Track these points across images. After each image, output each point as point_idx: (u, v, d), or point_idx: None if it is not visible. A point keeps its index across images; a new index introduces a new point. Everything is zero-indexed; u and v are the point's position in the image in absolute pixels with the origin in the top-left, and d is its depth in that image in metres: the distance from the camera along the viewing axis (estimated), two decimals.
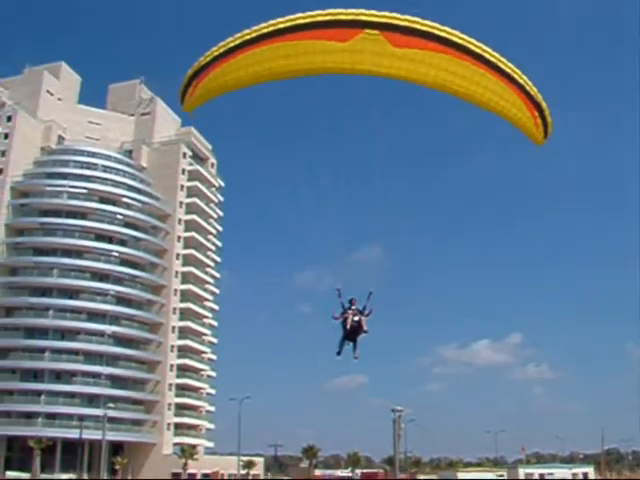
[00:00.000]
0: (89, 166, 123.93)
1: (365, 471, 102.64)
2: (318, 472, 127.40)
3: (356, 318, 21.45)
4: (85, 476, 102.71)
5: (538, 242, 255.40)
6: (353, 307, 21.77)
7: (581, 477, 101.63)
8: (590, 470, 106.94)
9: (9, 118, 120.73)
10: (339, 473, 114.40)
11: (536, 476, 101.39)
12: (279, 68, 19.68)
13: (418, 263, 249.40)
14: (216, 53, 19.64)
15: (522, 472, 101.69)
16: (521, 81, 20.09)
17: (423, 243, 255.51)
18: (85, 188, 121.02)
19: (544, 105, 20.77)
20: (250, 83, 20.52)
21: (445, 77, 20.09)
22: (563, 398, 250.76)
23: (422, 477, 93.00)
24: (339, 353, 21.68)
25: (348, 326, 21.27)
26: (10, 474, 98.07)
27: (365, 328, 21.52)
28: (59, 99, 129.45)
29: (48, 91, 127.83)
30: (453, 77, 20.06)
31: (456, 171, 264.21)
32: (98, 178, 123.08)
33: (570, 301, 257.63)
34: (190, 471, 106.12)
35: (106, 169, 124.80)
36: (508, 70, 19.80)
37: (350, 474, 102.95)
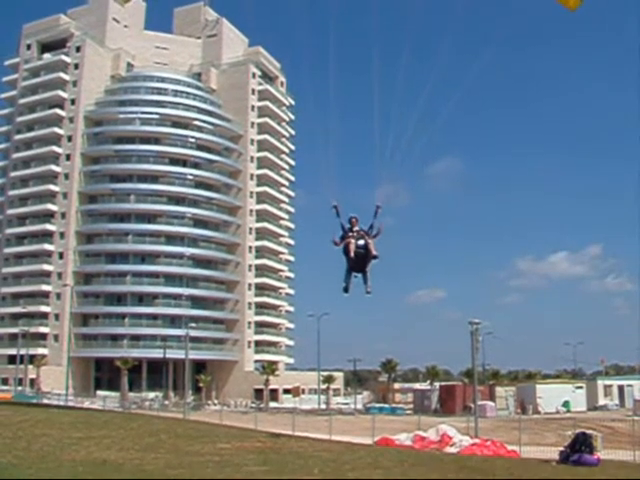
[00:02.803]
0: (159, 91, 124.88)
1: (443, 384, 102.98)
2: (397, 385, 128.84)
3: (361, 242, 17.47)
4: (171, 393, 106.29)
5: (618, 152, 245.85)
6: (355, 228, 17.85)
7: None
8: None
9: (78, 48, 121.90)
10: (417, 386, 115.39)
11: (615, 388, 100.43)
12: None
13: (496, 175, 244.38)
14: None
15: (601, 384, 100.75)
16: None
17: (502, 157, 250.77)
18: (157, 113, 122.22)
19: None
20: None
21: None
22: None
23: (500, 389, 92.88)
24: (346, 289, 17.77)
25: (352, 253, 17.32)
26: (100, 393, 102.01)
27: (374, 252, 17.57)
28: (125, 26, 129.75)
29: (114, 19, 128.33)
30: None
31: (543, 92, 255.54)
32: (169, 103, 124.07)
33: None
34: (272, 387, 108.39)
35: (176, 93, 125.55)
36: None
37: (429, 387, 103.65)
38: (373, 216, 17.91)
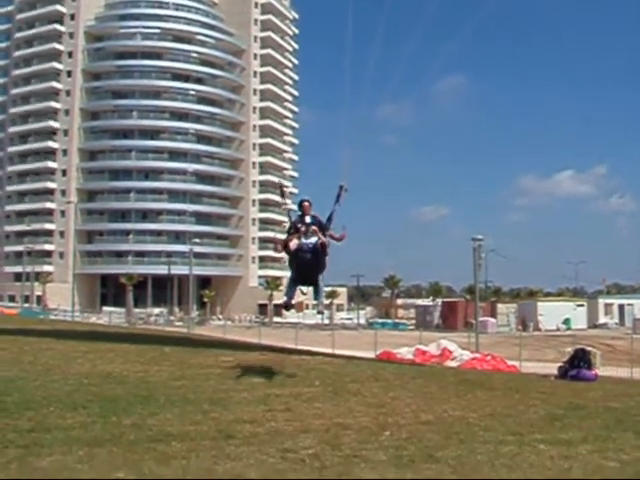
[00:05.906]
0: (161, 5, 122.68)
1: (446, 300, 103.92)
2: (400, 301, 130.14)
3: (311, 240, 11.84)
4: (176, 309, 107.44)
5: (625, 70, 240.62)
6: (307, 219, 12.21)
7: None
8: None
9: None
10: (420, 302, 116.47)
11: (615, 307, 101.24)
12: None
13: (502, 92, 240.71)
14: None
15: (601, 302, 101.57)
16: None
17: (508, 75, 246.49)
18: (158, 28, 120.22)
19: None
20: None
21: None
22: None
23: (502, 305, 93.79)
24: (287, 306, 12.61)
25: (293, 250, 11.79)
26: (106, 309, 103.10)
27: (326, 246, 11.81)
28: None
29: None
30: None
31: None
32: (171, 17, 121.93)
33: None
34: (275, 302, 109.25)
35: (178, 7, 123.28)
36: None
37: (431, 303, 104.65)
38: (335, 201, 12.54)
